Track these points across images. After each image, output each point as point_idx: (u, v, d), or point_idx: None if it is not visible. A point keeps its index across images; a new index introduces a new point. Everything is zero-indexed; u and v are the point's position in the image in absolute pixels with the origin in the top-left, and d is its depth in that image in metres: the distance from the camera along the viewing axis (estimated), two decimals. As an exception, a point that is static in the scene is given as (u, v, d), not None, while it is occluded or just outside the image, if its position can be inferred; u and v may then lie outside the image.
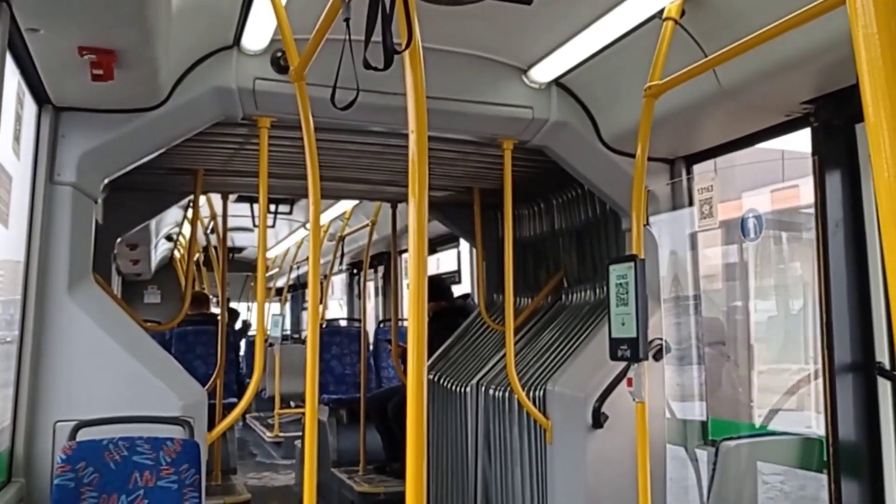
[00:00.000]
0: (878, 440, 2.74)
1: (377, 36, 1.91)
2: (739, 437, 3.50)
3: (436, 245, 9.15)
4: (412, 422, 1.73)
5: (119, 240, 6.17)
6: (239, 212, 7.79)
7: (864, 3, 0.96)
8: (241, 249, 11.80)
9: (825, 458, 2.86)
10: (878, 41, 0.94)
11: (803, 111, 3.12)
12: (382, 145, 4.23)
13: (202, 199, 6.91)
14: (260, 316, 3.74)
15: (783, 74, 2.85)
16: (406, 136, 1.84)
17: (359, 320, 7.85)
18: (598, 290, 4.65)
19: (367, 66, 2.05)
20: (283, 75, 3.33)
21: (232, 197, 6.50)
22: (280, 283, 13.21)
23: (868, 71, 0.94)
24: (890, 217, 0.93)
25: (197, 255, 10.36)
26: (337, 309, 12.83)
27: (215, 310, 8.35)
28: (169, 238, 9.74)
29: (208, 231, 8.33)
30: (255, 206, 7.78)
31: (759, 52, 2.56)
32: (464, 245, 7.98)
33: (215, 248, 8.18)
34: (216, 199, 6.46)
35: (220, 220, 6.21)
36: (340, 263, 9.37)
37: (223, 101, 3.42)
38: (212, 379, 5.59)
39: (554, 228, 5.19)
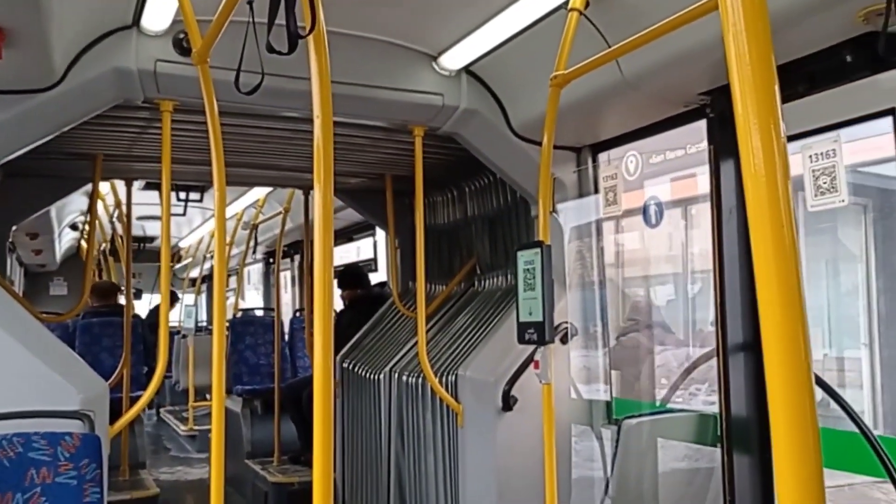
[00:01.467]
0: (766, 415, 2.90)
1: (281, 19, 1.88)
2: (640, 416, 3.63)
3: (352, 233, 9.11)
4: (319, 411, 1.73)
5: (14, 228, 5.89)
6: (148, 199, 7.54)
7: (733, 3, 1.01)
8: (152, 239, 11.44)
9: (719, 433, 3.01)
10: (745, 39, 0.99)
11: (700, 102, 3.24)
12: (292, 131, 4.18)
13: (106, 187, 6.67)
14: (164, 307, 3.64)
15: (681, 66, 2.95)
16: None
17: (273, 310, 7.73)
18: (510, 277, 4.73)
19: (271, 49, 2.02)
20: (185, 57, 3.24)
21: (139, 184, 6.29)
22: (194, 273, 12.88)
23: (737, 68, 0.99)
24: (755, 203, 0.99)
25: (103, 244, 9.99)
26: (256, 298, 12.62)
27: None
28: (74, 227, 9.35)
29: (114, 219, 8.04)
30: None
31: (659, 44, 2.64)
32: (381, 233, 7.97)
33: (122, 237, 7.92)
34: (121, 186, 6.24)
35: (124, 207, 5.99)
36: (254, 252, 9.20)
37: (122, 83, 3.30)
38: (117, 371, 5.42)
39: (467, 215, 5.24)
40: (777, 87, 0.98)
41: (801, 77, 2.82)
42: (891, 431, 7.83)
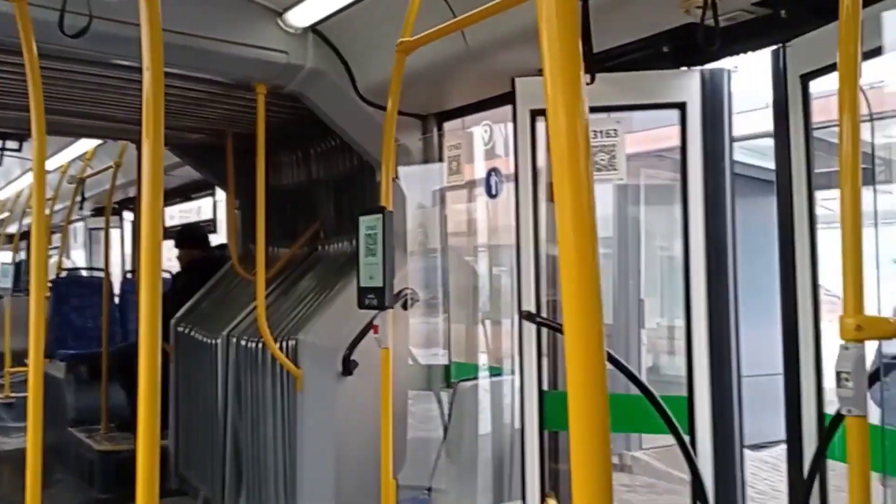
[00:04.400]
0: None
1: (109, -42, 1.76)
2: (474, 379, 3.77)
3: (191, 191, 8.73)
4: (144, 376, 1.66)
5: None
6: (-43, 146, 6.84)
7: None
8: (-32, 189, 10.45)
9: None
10: (555, 23, 1.04)
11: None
12: (123, 80, 3.91)
13: None
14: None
15: (521, 42, 3.04)
16: None
17: (102, 270, 7.28)
18: (354, 242, 4.70)
19: (97, -9, 1.89)
20: (0, -8, 2.95)
21: (-54, 128, 5.71)
22: (12, 228, 11.87)
23: (548, 51, 1.04)
24: (560, 182, 1.04)
25: None
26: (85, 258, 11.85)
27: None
28: None
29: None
30: (-22, 140, 6.88)
31: (504, 18, 2.71)
32: (221, 193, 7.68)
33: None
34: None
35: None
36: (81, 208, 8.61)
37: (-76, 16, 2.95)
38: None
39: (312, 178, 5.16)
40: (581, 70, 1.04)
41: (623, 62, 2.99)
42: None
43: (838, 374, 1.59)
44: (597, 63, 3.02)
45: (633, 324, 8.07)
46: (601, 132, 3.05)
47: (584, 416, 1.00)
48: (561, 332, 3.08)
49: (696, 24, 2.53)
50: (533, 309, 3.05)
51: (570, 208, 1.02)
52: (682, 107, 3.04)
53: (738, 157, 8.71)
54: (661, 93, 3.03)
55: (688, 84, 3.02)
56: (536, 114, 3.10)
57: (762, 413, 9.07)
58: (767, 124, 2.81)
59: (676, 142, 8.27)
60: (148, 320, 1.67)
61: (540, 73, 3.06)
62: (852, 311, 1.65)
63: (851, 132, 1.67)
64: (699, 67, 2.97)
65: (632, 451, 7.83)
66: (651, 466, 7.65)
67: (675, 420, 2.85)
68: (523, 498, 3.02)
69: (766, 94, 2.66)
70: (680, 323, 9.23)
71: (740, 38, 2.73)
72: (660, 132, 7.94)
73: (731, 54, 2.80)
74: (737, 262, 3.19)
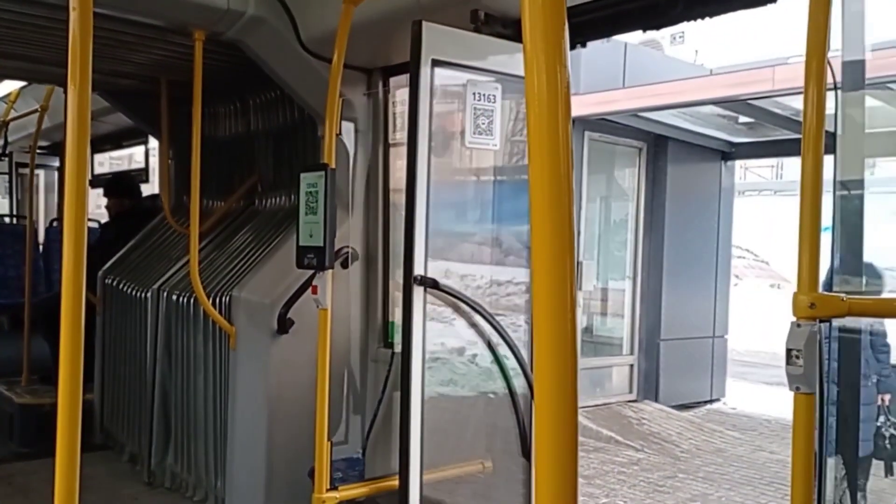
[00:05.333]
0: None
1: None
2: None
3: (122, 139, 8.39)
4: (67, 328, 1.59)
5: None
6: None
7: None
8: None
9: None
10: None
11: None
12: (51, 19, 3.68)
13: None
14: None
15: (472, 0, 2.97)
16: None
17: (25, 217, 6.97)
18: (293, 197, 4.58)
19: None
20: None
21: None
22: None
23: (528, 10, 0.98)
24: (537, 151, 0.99)
25: None
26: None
27: None
28: None
29: None
30: None
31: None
32: (155, 141, 7.40)
33: None
34: None
35: None
36: (4, 152, 8.20)
37: None
38: None
39: (250, 130, 4.99)
40: (566, 30, 0.99)
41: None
42: (643, 357, 8.82)
43: (788, 351, 1.58)
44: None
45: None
46: (484, 95, 2.98)
47: (551, 386, 0.96)
48: (464, 301, 3.07)
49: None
50: (423, 272, 2.95)
51: (548, 178, 0.97)
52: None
53: (675, 121, 8.81)
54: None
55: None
56: (437, 64, 2.96)
57: (688, 374, 9.38)
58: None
59: (621, 105, 8.27)
60: (71, 270, 1.59)
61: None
62: (806, 287, 1.63)
63: (817, 104, 1.65)
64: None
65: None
66: (581, 425, 7.82)
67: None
68: (401, 470, 2.97)
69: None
70: (614, 285, 9.34)
71: (701, 3, 2.69)
72: (605, 95, 7.99)
73: (692, 18, 2.75)
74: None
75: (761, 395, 9.95)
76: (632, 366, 8.88)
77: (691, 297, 9.19)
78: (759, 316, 14.02)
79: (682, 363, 9.09)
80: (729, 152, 9.47)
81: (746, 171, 20.12)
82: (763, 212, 19.80)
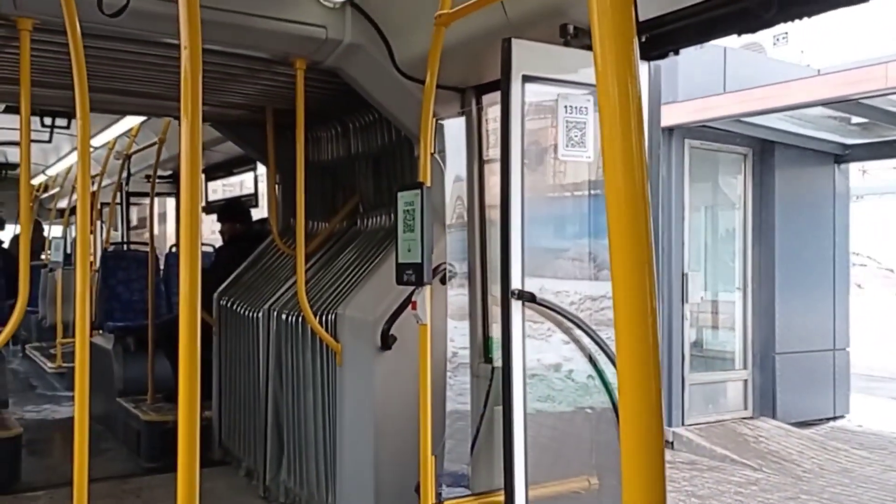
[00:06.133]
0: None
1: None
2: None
3: (233, 166, 8.80)
4: (184, 349, 1.69)
5: None
6: (11, 124, 6.98)
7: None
8: (14, 166, 10.67)
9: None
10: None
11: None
12: (164, 57, 3.94)
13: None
14: (24, 237, 3.43)
15: (563, 13, 2.98)
16: None
17: (147, 244, 7.41)
18: (393, 216, 4.70)
19: (135, -30, 1.89)
20: (45, -28, 2.99)
21: (0, 107, 5.84)
22: (63, 203, 12.14)
23: (598, 23, 1.00)
24: (612, 160, 1.01)
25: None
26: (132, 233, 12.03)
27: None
28: None
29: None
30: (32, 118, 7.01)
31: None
32: (263, 167, 7.74)
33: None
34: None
35: None
36: (127, 184, 8.77)
37: (-28, -4, 3.01)
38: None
39: (351, 152, 5.16)
40: (635, 38, 1.00)
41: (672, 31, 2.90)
42: (758, 371, 8.48)
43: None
44: (644, 31, 2.95)
45: (675, 299, 7.98)
46: (576, 108, 2.96)
47: (635, 400, 0.97)
48: (562, 314, 3.04)
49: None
50: (520, 287, 2.94)
51: (623, 185, 0.98)
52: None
53: (782, 125, 8.42)
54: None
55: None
56: (527, 80, 2.98)
57: (807, 390, 8.90)
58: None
59: (723, 111, 8.00)
60: (187, 293, 1.69)
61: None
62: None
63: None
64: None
65: (674, 427, 7.78)
66: (693, 443, 7.60)
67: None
68: (506, 485, 2.95)
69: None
70: (724, 297, 9.00)
71: (797, 3, 2.61)
72: (705, 102, 7.78)
73: (787, 20, 2.68)
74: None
75: (890, 412, 9.36)
76: (746, 381, 8.54)
77: (807, 308, 8.76)
78: (885, 327, 13.20)
79: (801, 378, 8.66)
80: (842, 155, 9.02)
81: (865, 174, 19.05)
82: (885, 217, 18.68)
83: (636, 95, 0.96)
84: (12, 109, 6.29)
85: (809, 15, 2.56)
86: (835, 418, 8.94)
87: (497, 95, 3.93)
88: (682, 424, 7.88)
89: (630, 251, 0.97)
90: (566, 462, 3.45)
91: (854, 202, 9.66)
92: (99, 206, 9.22)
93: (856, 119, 8.17)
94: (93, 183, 8.11)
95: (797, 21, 2.64)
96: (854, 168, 10.57)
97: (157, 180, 7.22)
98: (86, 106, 2.82)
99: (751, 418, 8.38)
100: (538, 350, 3.21)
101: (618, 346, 0.99)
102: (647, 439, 0.96)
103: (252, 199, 8.46)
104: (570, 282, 3.41)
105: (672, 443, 7.70)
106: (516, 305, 2.94)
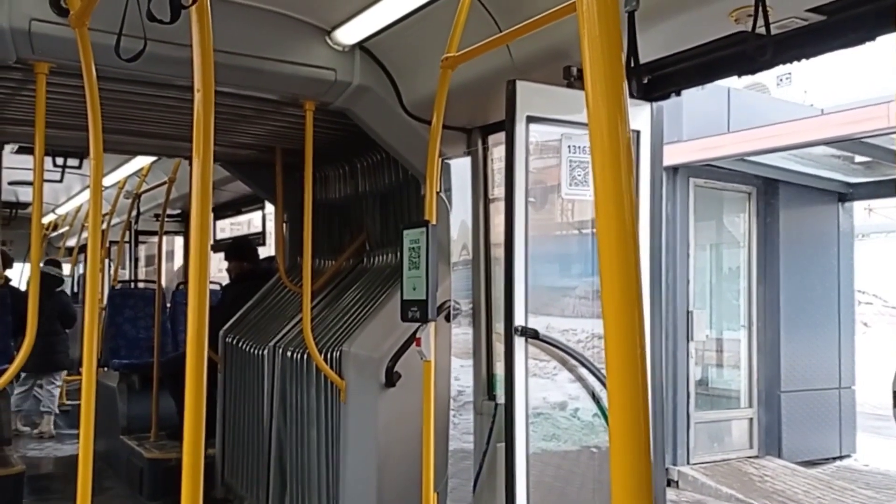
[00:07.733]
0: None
1: (164, -16, 1.82)
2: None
3: (241, 205, 8.90)
4: (191, 385, 1.71)
5: None
6: (23, 164, 7.09)
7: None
8: (25, 205, 10.78)
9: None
10: (597, 33, 1.05)
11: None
12: (176, 99, 4.04)
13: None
14: (34, 276, 3.47)
15: (566, 55, 3.05)
16: None
17: (154, 282, 7.48)
18: (399, 254, 4.74)
19: (152, 18, 1.96)
20: (63, 18, 3.07)
21: (13, 147, 5.94)
22: (72, 242, 12.23)
23: (590, 65, 1.05)
24: (603, 196, 1.05)
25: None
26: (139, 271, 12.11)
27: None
28: None
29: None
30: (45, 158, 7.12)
31: (547, 31, 2.72)
32: (270, 206, 7.83)
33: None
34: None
35: None
36: (136, 223, 8.86)
37: (-8, 40, 3.10)
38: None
39: (358, 191, 5.23)
40: (624, 80, 1.05)
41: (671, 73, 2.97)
42: (763, 410, 8.42)
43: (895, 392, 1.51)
44: (645, 73, 3.02)
45: (681, 337, 7.97)
46: (579, 147, 3.02)
47: (625, 437, 0.99)
48: (565, 351, 3.06)
49: (746, 32, 2.48)
50: (524, 324, 2.95)
51: (614, 221, 1.02)
52: (636, 133, 3.10)
53: (786, 164, 8.48)
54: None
55: (642, 113, 3.11)
56: (531, 120, 3.04)
57: (813, 428, 8.82)
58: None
59: (727, 150, 8.07)
60: (195, 330, 1.71)
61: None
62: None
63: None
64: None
65: (678, 466, 7.72)
66: (698, 482, 7.52)
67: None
68: None
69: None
70: (729, 335, 8.98)
71: (793, 46, 2.67)
72: (709, 141, 7.86)
73: (784, 62, 2.74)
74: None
75: (899, 452, 9.26)
76: (751, 419, 8.48)
77: (813, 347, 8.73)
78: (891, 365, 13.10)
79: (807, 416, 8.60)
80: (846, 193, 9.07)
81: (871, 213, 19.05)
82: (891, 255, 18.64)
83: (625, 135, 1.01)
84: (25, 150, 6.40)
85: (805, 58, 2.62)
86: (841, 457, 8.84)
87: (502, 136, 4.01)
88: (688, 463, 7.81)
89: (619, 287, 1.01)
90: (570, 502, 3.44)
91: (860, 240, 9.68)
92: (107, 245, 9.29)
93: (859, 158, 8.23)
94: (102, 221, 8.20)
95: (795, 63, 2.70)
96: (859, 207, 10.62)
97: (166, 219, 7.29)
98: (99, 147, 2.88)
99: (756, 457, 8.31)
100: (543, 388, 3.22)
101: (608, 383, 1.02)
102: (636, 475, 0.99)
103: (260, 238, 8.54)
104: (576, 320, 3.43)
105: (677, 482, 7.62)
106: (519, 342, 2.96)
